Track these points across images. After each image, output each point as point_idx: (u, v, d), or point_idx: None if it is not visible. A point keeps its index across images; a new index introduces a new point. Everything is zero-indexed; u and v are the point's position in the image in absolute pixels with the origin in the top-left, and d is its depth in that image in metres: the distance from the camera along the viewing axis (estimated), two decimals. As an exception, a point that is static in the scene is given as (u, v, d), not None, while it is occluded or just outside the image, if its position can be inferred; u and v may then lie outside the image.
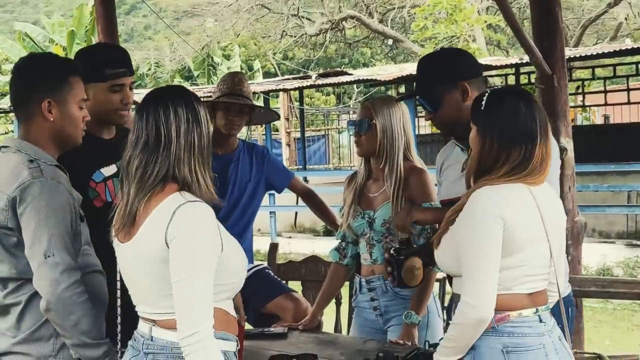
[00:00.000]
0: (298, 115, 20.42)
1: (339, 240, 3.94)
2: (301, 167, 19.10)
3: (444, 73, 3.18)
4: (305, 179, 16.78)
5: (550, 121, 5.15)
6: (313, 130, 25.64)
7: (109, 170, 3.39)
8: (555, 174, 3.05)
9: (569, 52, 15.36)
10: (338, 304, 4.54)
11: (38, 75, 2.85)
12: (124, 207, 2.45)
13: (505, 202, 2.56)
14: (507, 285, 2.59)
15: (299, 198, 4.92)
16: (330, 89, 29.19)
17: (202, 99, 4.22)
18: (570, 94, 17.21)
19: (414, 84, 3.36)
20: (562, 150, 5.22)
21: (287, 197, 6.92)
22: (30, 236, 2.63)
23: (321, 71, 20.68)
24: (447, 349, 2.64)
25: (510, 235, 2.55)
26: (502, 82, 17.81)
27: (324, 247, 9.19)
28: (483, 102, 2.70)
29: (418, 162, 3.73)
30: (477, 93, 2.98)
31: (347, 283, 4.11)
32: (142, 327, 2.50)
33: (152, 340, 2.45)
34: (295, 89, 16.99)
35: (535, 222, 2.61)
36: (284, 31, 26.47)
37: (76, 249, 2.75)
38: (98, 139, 3.38)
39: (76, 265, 2.69)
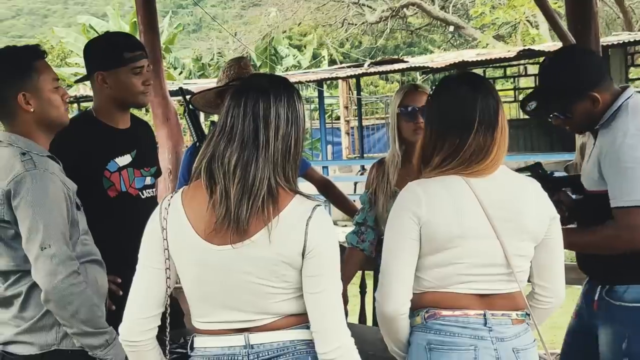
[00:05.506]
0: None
1: (358, 224, 3.77)
2: (359, 155, 19.08)
3: (570, 85, 2.92)
4: (363, 167, 16.76)
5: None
6: (376, 119, 25.44)
7: (123, 160, 3.38)
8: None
9: (628, 36, 14.96)
10: (363, 294, 4.45)
11: (3, 72, 2.82)
12: (224, 207, 2.20)
13: (427, 197, 2.44)
14: (439, 284, 2.48)
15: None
16: (397, 76, 28.82)
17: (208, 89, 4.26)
18: (632, 79, 16.77)
19: (536, 94, 3.09)
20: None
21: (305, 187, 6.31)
22: (27, 229, 2.64)
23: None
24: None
25: (430, 232, 2.43)
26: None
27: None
28: (431, 93, 2.65)
29: None
30: (608, 95, 2.91)
31: (371, 273, 3.91)
32: None
33: None
34: (348, 77, 16.93)
35: (471, 217, 2.43)
36: (344, 19, 26.39)
37: (74, 239, 2.76)
38: (112, 129, 3.40)
39: (73, 255, 2.69)
